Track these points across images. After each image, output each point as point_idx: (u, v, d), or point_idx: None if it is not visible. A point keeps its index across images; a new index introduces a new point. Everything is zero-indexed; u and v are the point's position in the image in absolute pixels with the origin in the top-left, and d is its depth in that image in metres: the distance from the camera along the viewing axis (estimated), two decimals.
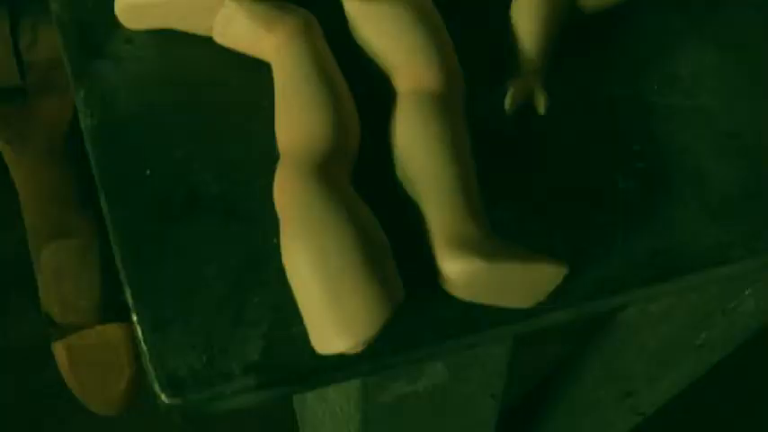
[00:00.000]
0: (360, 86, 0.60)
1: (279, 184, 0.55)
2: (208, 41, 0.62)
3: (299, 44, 0.60)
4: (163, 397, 0.52)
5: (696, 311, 0.80)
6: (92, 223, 1.31)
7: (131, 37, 0.64)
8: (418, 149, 0.56)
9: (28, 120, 1.18)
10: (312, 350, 0.52)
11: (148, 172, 0.58)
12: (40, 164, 1.23)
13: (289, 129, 0.57)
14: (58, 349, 1.36)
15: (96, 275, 1.31)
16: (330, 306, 0.51)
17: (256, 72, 0.62)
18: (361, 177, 0.57)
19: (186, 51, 0.63)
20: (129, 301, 0.55)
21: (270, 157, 0.58)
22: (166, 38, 0.63)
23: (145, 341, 0.53)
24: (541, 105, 0.61)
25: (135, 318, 0.54)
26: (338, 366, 0.53)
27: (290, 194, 0.54)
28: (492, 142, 0.60)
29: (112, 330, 1.35)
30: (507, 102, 0.60)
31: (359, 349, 0.52)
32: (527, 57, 0.62)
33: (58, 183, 1.25)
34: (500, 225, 0.57)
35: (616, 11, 0.67)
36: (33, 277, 1.40)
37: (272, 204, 0.55)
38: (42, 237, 1.28)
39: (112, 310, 1.35)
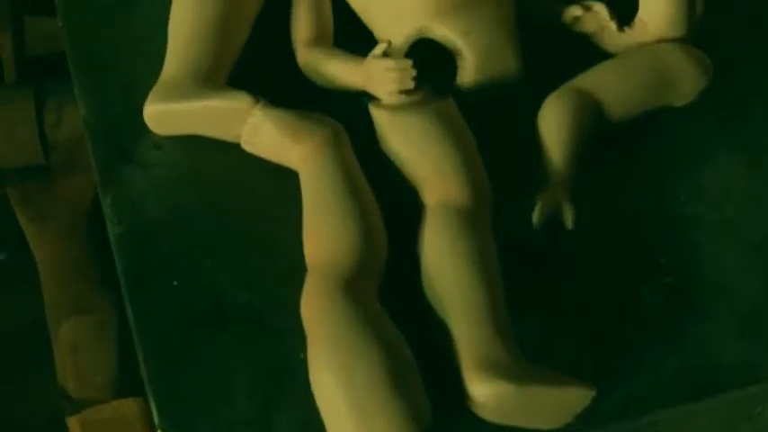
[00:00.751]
0: (387, 197, 0.60)
1: (306, 299, 0.55)
2: (236, 147, 0.63)
3: (326, 155, 0.60)
4: None
5: (722, 419, 0.79)
6: (110, 299, 1.31)
7: (160, 142, 0.64)
8: (446, 267, 0.56)
9: (51, 198, 1.18)
10: None
11: (176, 282, 0.58)
12: (62, 241, 1.23)
13: (316, 242, 0.57)
14: (73, 424, 1.35)
15: (113, 351, 1.31)
16: (356, 426, 0.51)
17: (284, 180, 0.62)
18: (389, 291, 0.57)
19: (214, 158, 0.63)
20: (154, 413, 0.55)
21: (297, 268, 0.58)
22: (195, 144, 0.64)
23: None
24: (569, 219, 0.60)
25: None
26: None
27: (317, 311, 0.54)
28: (519, 254, 0.60)
29: (128, 405, 1.34)
30: (535, 216, 0.60)
31: None
32: (554, 167, 0.62)
33: (79, 259, 1.24)
34: (528, 339, 0.57)
35: (642, 118, 0.67)
36: (50, 350, 1.40)
37: (300, 317, 0.55)
38: (61, 312, 1.28)
39: (128, 386, 1.35)
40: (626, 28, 0.68)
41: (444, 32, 0.64)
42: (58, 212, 1.21)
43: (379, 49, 0.63)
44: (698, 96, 0.67)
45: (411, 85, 0.62)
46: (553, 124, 0.63)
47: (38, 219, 1.21)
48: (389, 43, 0.63)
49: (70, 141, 1.16)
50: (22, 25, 1.20)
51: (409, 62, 0.62)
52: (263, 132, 0.61)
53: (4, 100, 1.14)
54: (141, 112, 0.63)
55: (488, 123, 0.64)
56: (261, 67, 0.67)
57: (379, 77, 0.62)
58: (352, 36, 0.68)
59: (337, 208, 0.58)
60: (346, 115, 0.63)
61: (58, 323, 1.30)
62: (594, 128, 0.64)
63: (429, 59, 0.64)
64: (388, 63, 0.62)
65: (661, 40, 0.68)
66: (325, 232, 0.57)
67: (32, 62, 1.24)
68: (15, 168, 1.18)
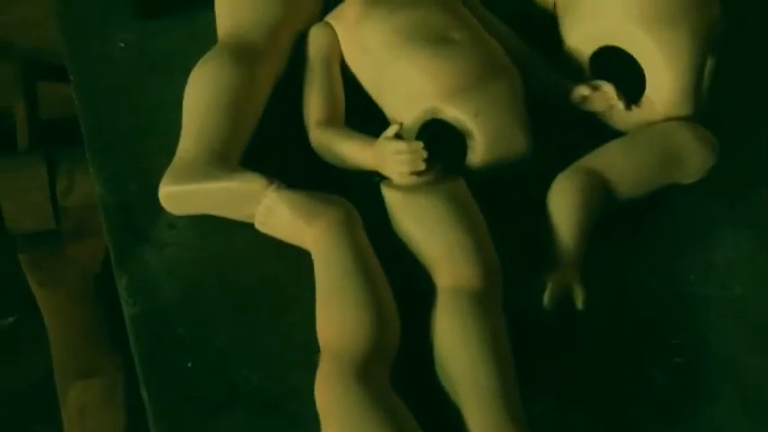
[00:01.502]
0: (399, 277, 0.61)
1: (320, 384, 0.55)
2: (249, 227, 0.64)
3: (338, 237, 0.61)
4: None
5: None
6: (118, 360, 1.31)
7: (174, 222, 0.65)
8: (458, 350, 0.56)
9: (61, 263, 1.19)
10: None
11: (190, 364, 0.59)
12: (71, 304, 1.23)
13: (329, 325, 0.57)
14: None
15: (121, 414, 1.31)
16: None
17: (297, 260, 0.62)
18: (401, 373, 0.57)
19: (228, 238, 0.64)
20: None
21: (310, 350, 0.58)
22: (209, 223, 0.64)
23: None
24: (579, 300, 0.61)
25: None
26: None
27: (330, 396, 0.54)
28: (530, 333, 0.61)
29: None
30: (546, 298, 0.60)
31: None
32: (564, 248, 0.63)
33: (88, 323, 1.25)
34: (539, 418, 0.57)
35: (650, 196, 0.68)
36: (57, 408, 1.40)
37: (313, 401, 0.56)
38: (69, 375, 1.28)
39: None
40: (634, 107, 0.69)
41: (454, 114, 0.65)
42: (68, 277, 1.22)
43: (390, 131, 0.64)
44: (705, 174, 0.68)
45: (422, 167, 0.63)
46: (562, 205, 0.64)
47: (48, 283, 1.22)
48: (401, 125, 0.64)
49: (81, 207, 1.17)
50: (35, 91, 1.22)
51: (420, 145, 0.62)
52: (277, 214, 0.62)
53: (16, 166, 1.14)
54: (156, 192, 0.64)
55: (498, 203, 0.65)
56: (273, 145, 0.68)
57: (391, 159, 0.63)
58: (364, 115, 0.69)
59: (350, 291, 0.58)
60: (358, 194, 0.64)
61: (67, 386, 1.31)
62: (603, 207, 0.65)
63: (439, 139, 0.65)
64: (400, 145, 0.63)
65: (668, 119, 0.69)
66: (339, 315, 0.58)
67: (45, 125, 1.25)
68: (27, 233, 1.18)
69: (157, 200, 0.64)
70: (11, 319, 1.44)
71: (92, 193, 1.14)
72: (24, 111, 1.21)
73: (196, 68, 0.68)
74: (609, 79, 0.70)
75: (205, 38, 0.73)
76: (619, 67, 0.70)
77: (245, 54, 0.68)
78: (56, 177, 1.15)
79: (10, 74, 1.23)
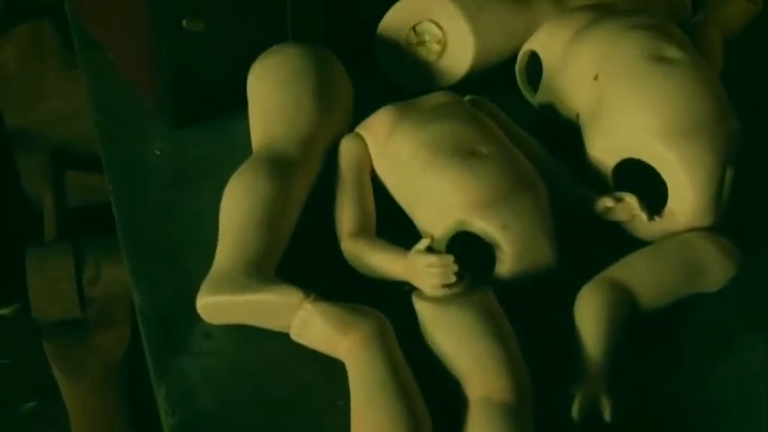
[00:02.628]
0: (431, 388, 0.62)
1: None
2: (285, 336, 0.65)
3: (372, 348, 0.62)
4: None
5: None
6: None
7: (211, 331, 0.67)
8: None
9: (85, 352, 1.21)
10: None
11: None
12: (94, 392, 1.25)
13: None
14: None
15: None
16: None
17: (332, 369, 0.64)
18: None
19: (264, 347, 0.66)
20: None
21: None
22: (245, 332, 0.66)
23: None
24: (607, 413, 0.62)
25: None
26: None
27: None
28: None
29: None
30: (575, 411, 0.62)
31: None
32: (590, 359, 0.64)
33: (111, 410, 1.26)
34: None
35: (674, 306, 0.69)
36: None
37: None
38: None
39: None
40: (656, 217, 0.71)
41: (483, 226, 0.67)
42: (91, 366, 1.23)
43: (422, 245, 0.66)
44: (727, 283, 0.70)
45: (453, 280, 0.65)
46: (588, 318, 0.65)
47: (72, 372, 1.24)
48: (432, 239, 0.66)
49: (106, 297, 1.19)
50: (62, 182, 1.25)
51: (451, 258, 0.64)
52: (312, 325, 0.64)
53: (44, 257, 1.17)
54: (193, 301, 0.66)
55: (526, 314, 0.67)
56: (306, 254, 0.70)
57: (423, 272, 0.65)
58: (395, 225, 0.71)
59: (384, 402, 0.60)
60: (389, 303, 0.66)
61: None
62: (628, 318, 0.67)
63: (468, 250, 0.67)
64: (431, 259, 0.65)
65: (690, 229, 0.71)
66: (373, 426, 0.59)
67: (72, 213, 1.28)
68: (52, 322, 1.20)
69: (194, 309, 0.66)
70: (32, 404, 1.45)
71: (117, 283, 1.17)
72: (52, 201, 1.24)
73: (231, 181, 0.70)
74: (632, 189, 0.72)
75: (239, 145, 0.76)
76: (641, 178, 0.72)
77: (278, 166, 0.70)
78: (83, 267, 1.17)
79: (38, 165, 1.27)
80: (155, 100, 0.80)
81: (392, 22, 0.83)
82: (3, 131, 1.23)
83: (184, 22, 0.75)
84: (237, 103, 0.78)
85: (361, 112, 0.76)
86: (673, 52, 0.72)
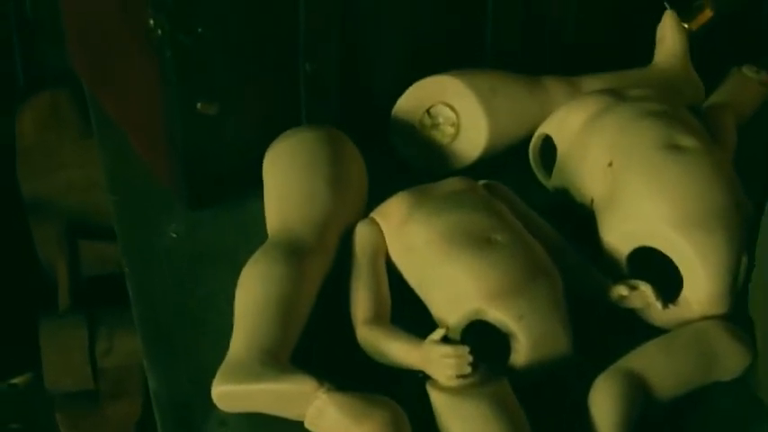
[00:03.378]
0: None
1: None
2: (300, 426, 0.65)
3: None
4: None
5: None
6: None
7: (225, 419, 0.67)
8: None
9: (97, 422, 1.21)
10: None
11: None
12: None
13: None
14: None
15: None
16: None
17: None
18: None
19: None
20: None
21: None
22: (260, 421, 0.66)
23: None
24: None
25: None
26: None
27: None
28: None
29: None
30: None
31: None
32: None
33: None
34: None
35: (689, 395, 0.69)
36: None
37: None
38: None
39: None
40: (671, 305, 0.71)
41: (498, 316, 0.67)
42: None
43: (437, 335, 0.66)
44: (741, 372, 0.70)
45: (468, 370, 0.65)
46: (603, 408, 0.65)
47: None
48: (447, 329, 0.66)
49: (119, 368, 1.19)
50: (76, 251, 1.25)
51: (466, 349, 0.64)
52: (327, 415, 0.64)
53: (57, 328, 1.17)
54: (208, 388, 0.66)
55: (541, 403, 0.66)
56: (321, 341, 0.70)
57: (438, 362, 0.65)
58: (410, 311, 0.71)
59: None
60: (404, 392, 0.66)
61: None
62: (643, 407, 0.67)
63: (483, 340, 0.67)
64: (447, 350, 0.65)
65: (705, 317, 0.71)
66: None
67: (86, 283, 1.28)
68: (65, 393, 1.20)
69: (210, 396, 0.66)
70: None
71: (130, 354, 1.17)
72: (66, 270, 1.24)
73: (246, 267, 0.70)
74: (646, 275, 0.72)
75: (255, 227, 0.76)
76: (656, 265, 0.72)
77: (294, 252, 0.70)
78: (96, 339, 1.18)
79: (53, 233, 1.27)
80: (170, 181, 0.81)
81: (406, 104, 0.84)
82: (18, 200, 1.24)
83: (199, 105, 0.75)
84: (253, 184, 0.78)
85: (376, 193, 0.77)
86: (686, 141, 0.73)
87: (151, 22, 0.73)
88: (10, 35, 1.27)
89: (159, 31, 0.72)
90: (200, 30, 0.72)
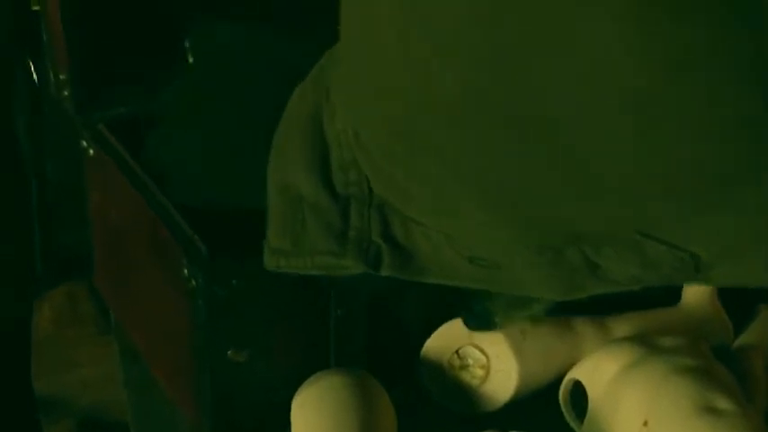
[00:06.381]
0: None
1: None
2: None
3: None
4: None
5: None
6: None
7: None
8: None
9: None
10: None
11: None
12: None
13: None
14: None
15: None
16: None
17: None
18: None
19: None
20: None
21: None
22: None
23: None
24: None
25: None
26: None
27: None
28: None
29: None
30: None
31: None
32: None
33: None
34: None
35: None
36: None
37: None
38: None
39: None
40: None
41: None
42: None
43: None
44: None
45: None
46: None
47: None
48: None
49: None
50: None
51: None
52: None
53: None
54: None
55: None
56: None
57: None
58: None
59: None
60: None
61: None
62: None
63: None
64: None
65: None
66: None
67: None
68: None
69: None
70: None
71: None
72: None
73: None
74: None
75: None
76: None
77: None
78: None
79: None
80: (194, 416, 0.80)
81: (436, 344, 0.83)
82: (30, 398, 1.22)
83: (230, 352, 0.75)
84: (282, 427, 0.77)
85: (403, 429, 0.76)
86: (722, 403, 0.72)
87: (185, 271, 0.73)
88: (30, 220, 1.28)
89: (193, 282, 0.72)
90: (234, 282, 0.72)
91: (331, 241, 0.64)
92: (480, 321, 0.79)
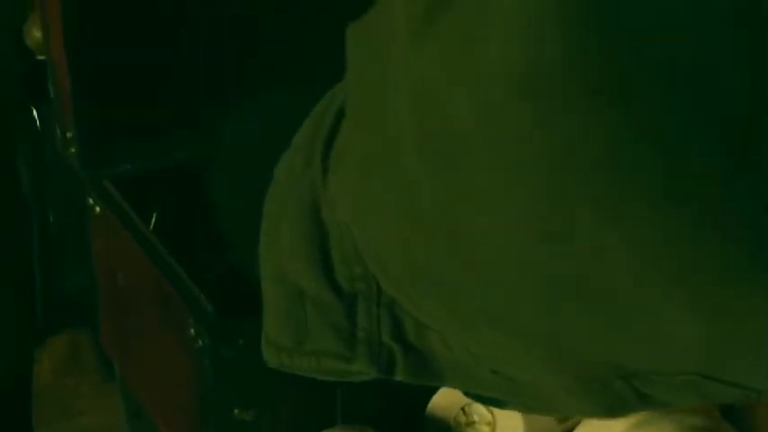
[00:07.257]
0: None
1: None
2: None
3: None
4: None
5: None
6: None
7: None
8: None
9: None
10: None
11: None
12: None
13: None
14: None
15: None
16: None
17: None
18: None
19: None
20: None
21: None
22: None
23: None
24: None
25: None
26: None
27: None
28: None
29: None
30: None
31: None
32: None
33: None
34: None
35: None
36: None
37: None
38: None
39: None
40: None
41: None
42: None
43: None
44: None
45: None
46: None
47: None
48: None
49: None
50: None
51: None
52: None
53: None
54: None
55: None
56: None
57: None
58: None
59: None
60: None
61: None
62: None
63: None
64: None
65: None
66: None
67: None
68: None
69: None
70: None
71: None
72: None
73: None
74: None
75: None
76: None
77: None
78: None
79: None
80: None
81: (442, 401, 0.83)
82: None
83: (236, 411, 0.75)
84: None
85: None
86: None
87: (192, 331, 0.73)
88: (31, 266, 1.27)
89: (200, 342, 0.72)
90: (241, 342, 0.72)
91: (339, 343, 0.59)
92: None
